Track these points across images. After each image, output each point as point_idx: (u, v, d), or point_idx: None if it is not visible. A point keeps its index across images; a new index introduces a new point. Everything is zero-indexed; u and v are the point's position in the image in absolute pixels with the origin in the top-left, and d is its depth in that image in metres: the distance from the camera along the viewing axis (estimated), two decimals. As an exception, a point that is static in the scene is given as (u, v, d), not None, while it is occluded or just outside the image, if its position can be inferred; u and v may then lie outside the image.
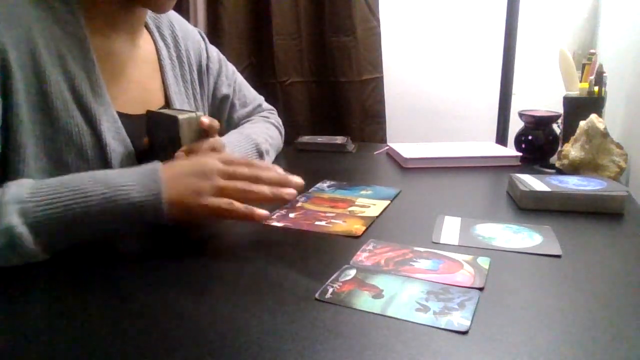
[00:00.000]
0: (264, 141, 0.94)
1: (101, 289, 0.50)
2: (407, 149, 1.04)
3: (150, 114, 0.74)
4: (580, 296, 0.47)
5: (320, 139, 1.23)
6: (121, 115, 0.72)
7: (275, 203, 0.69)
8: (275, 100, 1.72)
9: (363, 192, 0.81)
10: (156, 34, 0.85)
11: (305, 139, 1.24)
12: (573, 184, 0.75)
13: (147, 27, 0.84)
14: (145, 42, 0.82)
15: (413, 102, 1.72)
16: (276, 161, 1.03)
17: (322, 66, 1.69)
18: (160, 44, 0.85)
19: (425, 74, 1.69)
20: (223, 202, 0.58)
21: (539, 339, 0.40)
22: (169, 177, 0.57)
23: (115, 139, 0.70)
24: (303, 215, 0.70)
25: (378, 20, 1.63)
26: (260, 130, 0.98)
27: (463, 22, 1.61)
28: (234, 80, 1.03)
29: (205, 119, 0.69)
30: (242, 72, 1.72)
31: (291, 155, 1.17)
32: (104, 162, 0.68)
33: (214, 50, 0.99)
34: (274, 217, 0.69)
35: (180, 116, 0.67)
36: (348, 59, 1.64)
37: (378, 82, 1.66)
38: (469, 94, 1.65)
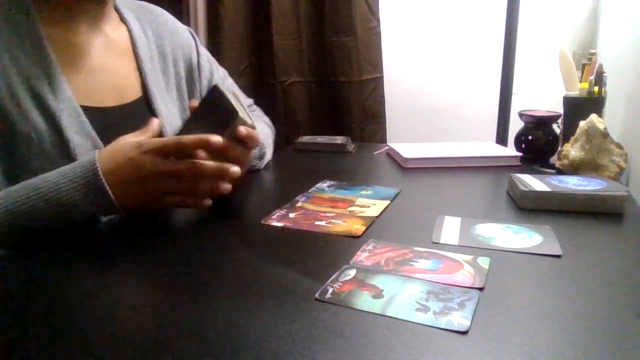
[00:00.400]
0: (263, 144, 0.94)
1: (101, 289, 0.50)
2: (407, 149, 1.04)
3: (216, 90, 0.69)
4: (580, 296, 0.47)
5: (320, 139, 1.23)
6: (87, 109, 0.70)
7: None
8: (275, 100, 1.73)
9: (363, 192, 0.81)
10: (134, 25, 0.83)
11: (305, 139, 1.24)
12: (573, 184, 0.75)
13: (122, 18, 0.83)
14: (115, 32, 0.81)
15: (413, 102, 1.72)
16: (277, 161, 1.03)
17: (322, 66, 1.69)
18: (138, 34, 0.83)
19: (425, 74, 1.69)
20: (172, 200, 0.65)
21: (539, 339, 0.40)
22: (114, 187, 0.61)
23: (79, 133, 0.69)
24: (303, 215, 0.70)
25: (378, 20, 1.63)
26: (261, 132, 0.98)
27: (463, 22, 1.61)
28: (225, 82, 1.03)
29: (243, 130, 0.67)
30: (242, 72, 1.74)
31: (291, 155, 1.17)
32: (69, 159, 0.66)
33: (204, 50, 0.98)
34: (274, 217, 0.69)
35: (241, 114, 0.67)
36: (348, 59, 1.64)
37: (378, 82, 1.66)
38: (469, 94, 1.65)
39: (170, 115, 0.84)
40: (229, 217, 0.74)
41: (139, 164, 0.61)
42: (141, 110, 0.80)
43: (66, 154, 0.66)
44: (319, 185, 0.85)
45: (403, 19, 1.67)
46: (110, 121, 0.73)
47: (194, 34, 0.97)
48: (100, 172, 0.60)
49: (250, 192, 0.89)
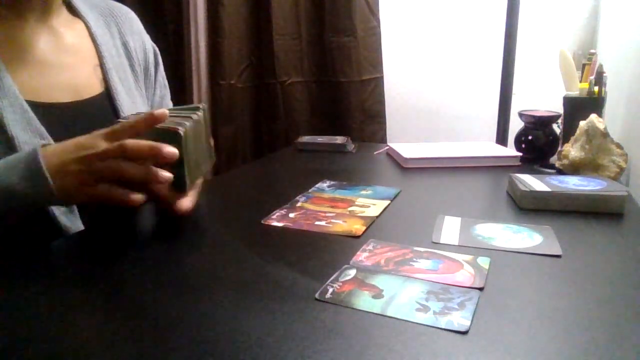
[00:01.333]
0: None
1: (101, 289, 0.50)
2: (407, 149, 1.04)
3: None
4: (580, 296, 0.47)
5: (320, 139, 1.23)
6: (36, 105, 0.68)
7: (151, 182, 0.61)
8: (275, 100, 1.73)
9: (363, 192, 0.81)
10: (93, 21, 0.81)
11: (305, 139, 1.24)
12: (573, 184, 0.75)
13: (75, 13, 0.80)
14: (68, 28, 0.78)
15: (413, 102, 1.72)
16: (277, 161, 1.03)
17: (322, 66, 1.69)
18: (99, 30, 0.81)
19: (425, 74, 1.69)
20: (102, 189, 0.58)
21: (539, 339, 0.40)
22: (52, 166, 0.58)
23: (26, 130, 0.66)
24: (303, 215, 0.70)
25: (378, 20, 1.63)
26: None
27: (463, 23, 1.61)
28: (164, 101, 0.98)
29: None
30: (242, 72, 1.74)
31: (291, 155, 1.17)
32: None
33: (162, 67, 0.95)
34: (274, 217, 0.69)
35: (181, 129, 0.60)
36: (348, 59, 1.64)
37: (378, 82, 1.67)
38: (469, 94, 1.65)
39: (135, 111, 0.81)
40: (229, 217, 0.74)
41: (82, 144, 0.59)
42: (101, 105, 0.77)
43: (12, 151, 0.64)
44: (319, 185, 0.85)
45: (403, 19, 1.67)
46: (64, 117, 0.71)
47: (156, 48, 0.94)
48: (39, 153, 0.58)
49: (250, 192, 0.89)
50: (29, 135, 0.66)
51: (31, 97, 0.68)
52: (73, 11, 0.80)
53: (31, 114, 0.67)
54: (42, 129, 0.67)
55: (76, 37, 0.79)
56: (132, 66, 0.85)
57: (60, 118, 0.71)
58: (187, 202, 0.65)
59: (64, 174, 0.58)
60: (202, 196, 0.85)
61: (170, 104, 0.97)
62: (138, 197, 0.59)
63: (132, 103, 0.81)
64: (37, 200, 0.59)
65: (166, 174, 0.58)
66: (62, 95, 0.72)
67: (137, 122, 0.59)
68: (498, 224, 0.66)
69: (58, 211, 0.66)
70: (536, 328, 0.41)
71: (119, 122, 0.62)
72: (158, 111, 0.59)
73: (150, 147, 0.58)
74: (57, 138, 0.66)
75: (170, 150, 0.58)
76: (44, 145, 0.60)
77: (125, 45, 0.85)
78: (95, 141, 0.58)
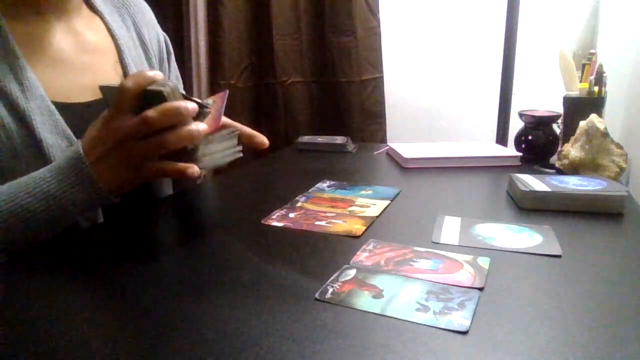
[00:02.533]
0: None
1: (101, 289, 0.50)
2: (407, 149, 1.04)
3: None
4: (580, 296, 0.47)
5: (320, 139, 1.23)
6: (61, 106, 0.68)
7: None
8: (275, 100, 1.73)
9: (363, 192, 0.81)
10: (110, 16, 0.80)
11: (305, 139, 1.24)
12: (573, 184, 0.75)
13: (93, 9, 0.80)
14: (88, 27, 0.78)
15: (413, 102, 1.72)
16: (277, 161, 1.03)
17: (322, 66, 1.70)
18: (116, 24, 0.80)
19: (425, 74, 1.69)
20: (156, 170, 0.60)
21: (539, 339, 0.40)
22: (101, 172, 0.59)
23: (53, 133, 0.66)
24: (303, 215, 0.70)
25: (378, 20, 1.63)
26: None
27: (463, 23, 1.61)
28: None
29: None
30: (242, 72, 1.74)
31: (291, 155, 1.17)
32: (42, 160, 0.64)
33: (172, 52, 0.94)
34: (274, 217, 0.69)
35: (164, 88, 0.60)
36: (348, 59, 1.64)
37: (378, 82, 1.67)
38: (469, 94, 1.65)
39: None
40: (229, 217, 0.74)
41: (111, 127, 0.59)
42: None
43: (40, 155, 0.64)
44: (319, 185, 0.85)
45: (403, 19, 1.67)
46: (85, 117, 0.70)
47: (167, 38, 0.94)
48: (82, 154, 0.59)
49: (250, 192, 0.89)
50: (56, 138, 0.66)
51: (54, 97, 0.68)
52: (90, 6, 0.80)
53: (58, 116, 0.67)
54: (69, 131, 0.68)
55: (95, 34, 0.78)
56: (148, 59, 0.85)
57: (82, 118, 0.70)
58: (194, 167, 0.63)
59: (109, 166, 0.59)
60: (203, 196, 0.86)
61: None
62: (195, 169, 0.59)
63: None
64: (96, 205, 0.62)
65: (202, 125, 0.60)
66: (82, 95, 0.72)
67: (134, 85, 0.58)
68: (498, 224, 0.66)
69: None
70: (536, 328, 0.41)
71: (112, 86, 0.62)
72: (150, 73, 0.60)
73: (176, 108, 0.58)
74: (80, 137, 0.66)
75: (191, 105, 0.59)
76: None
77: (140, 36, 0.85)
78: (119, 119, 0.58)
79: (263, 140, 0.75)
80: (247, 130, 0.75)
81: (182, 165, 0.60)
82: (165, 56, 0.91)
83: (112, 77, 0.77)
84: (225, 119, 0.74)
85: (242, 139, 0.73)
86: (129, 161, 0.59)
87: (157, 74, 0.60)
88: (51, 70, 0.70)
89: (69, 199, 0.59)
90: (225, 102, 0.68)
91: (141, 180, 0.62)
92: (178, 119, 0.58)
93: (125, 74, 0.78)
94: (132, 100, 0.58)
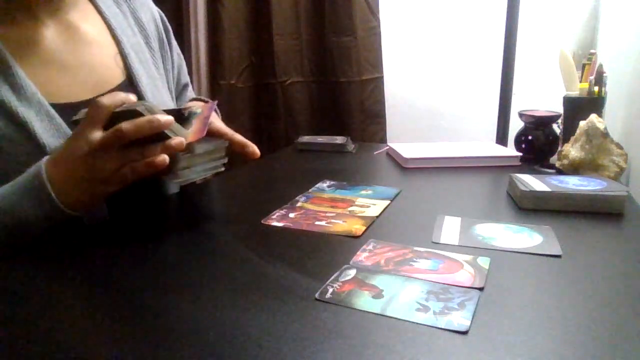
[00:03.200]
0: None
1: (101, 289, 0.50)
2: (407, 149, 1.04)
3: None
4: (580, 296, 0.47)
5: (320, 139, 1.23)
6: (60, 106, 0.67)
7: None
8: (275, 100, 1.73)
9: (363, 192, 0.81)
10: (104, 5, 0.78)
11: (305, 139, 1.24)
12: (573, 184, 0.75)
13: (91, 1, 0.78)
14: (84, 19, 0.75)
15: (413, 102, 1.72)
16: (277, 161, 1.03)
17: (322, 66, 1.70)
18: (112, 13, 0.78)
19: (425, 74, 1.69)
20: (123, 176, 0.59)
21: (539, 339, 0.40)
22: (66, 188, 0.58)
23: (56, 137, 0.65)
24: (303, 215, 0.70)
25: (378, 20, 1.63)
26: None
27: (463, 23, 1.61)
28: (182, 69, 0.96)
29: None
30: (242, 72, 1.74)
31: (291, 155, 1.17)
32: None
33: (170, 28, 0.91)
34: (274, 217, 0.69)
35: (139, 107, 0.59)
36: (348, 59, 1.64)
37: (378, 82, 1.67)
38: (469, 94, 1.65)
39: (158, 95, 0.80)
40: (229, 217, 0.74)
41: (80, 140, 0.57)
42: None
43: None
44: (319, 185, 0.85)
45: (403, 19, 1.67)
46: None
47: (162, 13, 0.91)
48: (43, 169, 0.58)
49: (250, 192, 0.89)
50: (60, 142, 0.65)
51: (54, 99, 0.67)
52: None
53: (59, 119, 0.66)
54: (70, 133, 0.65)
55: (91, 26, 0.76)
56: (148, 43, 0.82)
57: None
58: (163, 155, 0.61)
59: (74, 183, 0.58)
60: (203, 196, 0.86)
61: (187, 77, 0.96)
62: (162, 157, 0.58)
63: (153, 86, 0.79)
64: (57, 220, 0.60)
65: (177, 139, 0.59)
66: (83, 93, 0.71)
67: (110, 102, 0.58)
68: (498, 224, 0.66)
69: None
70: (536, 328, 0.41)
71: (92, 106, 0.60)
72: (124, 94, 0.60)
73: (149, 120, 0.57)
74: None
75: (167, 117, 0.58)
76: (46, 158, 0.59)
77: (138, 21, 0.82)
78: (87, 134, 0.57)
79: (254, 150, 0.72)
80: (239, 138, 0.73)
81: (155, 162, 0.58)
82: (164, 36, 0.88)
83: (113, 71, 0.75)
84: (219, 127, 0.73)
85: (233, 147, 0.72)
86: (99, 175, 0.58)
87: (131, 96, 0.61)
88: (49, 72, 0.69)
89: (26, 215, 0.58)
90: (211, 113, 0.67)
91: (113, 191, 0.60)
92: (152, 131, 0.57)
93: (126, 65, 0.77)
94: (107, 117, 0.58)
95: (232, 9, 1.68)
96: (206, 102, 0.83)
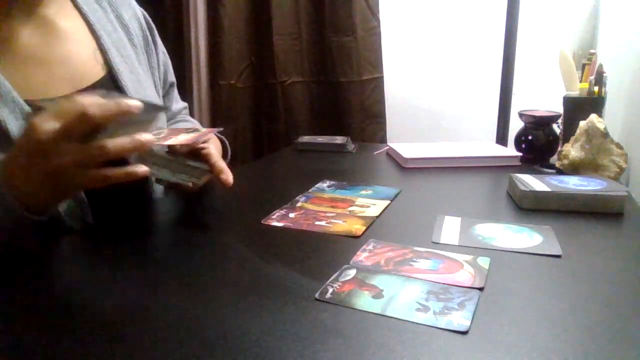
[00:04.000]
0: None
1: (101, 289, 0.50)
2: (407, 149, 1.04)
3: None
4: (580, 296, 0.47)
5: (320, 139, 1.23)
6: (37, 104, 0.64)
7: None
8: (275, 100, 1.73)
9: (363, 192, 0.81)
10: (84, 2, 0.76)
11: (305, 139, 1.24)
12: (573, 184, 0.75)
13: None
14: (60, 14, 0.73)
15: (413, 102, 1.72)
16: (277, 161, 1.03)
17: (322, 66, 1.70)
18: (90, 8, 0.76)
19: (425, 74, 1.69)
20: (96, 178, 0.54)
21: (539, 339, 0.40)
22: (20, 186, 0.53)
23: None
24: (303, 215, 0.70)
25: (378, 20, 1.63)
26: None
27: (463, 22, 1.61)
28: (168, 65, 0.94)
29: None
30: (242, 72, 1.75)
31: (291, 155, 1.17)
32: None
33: (153, 25, 0.89)
34: (274, 217, 0.69)
35: (45, 104, 0.55)
36: (348, 59, 1.64)
37: (378, 82, 1.67)
38: (469, 94, 1.65)
39: (142, 90, 0.78)
40: (229, 217, 0.74)
41: (29, 136, 0.52)
42: (105, 90, 0.72)
43: None
44: (319, 185, 0.85)
45: (403, 19, 1.67)
46: None
47: (145, 12, 0.89)
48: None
49: (250, 192, 0.89)
50: None
51: (30, 96, 0.65)
52: None
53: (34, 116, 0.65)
54: None
55: (69, 21, 0.74)
56: (130, 40, 0.81)
57: None
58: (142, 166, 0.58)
59: (32, 180, 0.53)
60: (203, 196, 0.86)
61: (173, 77, 0.95)
62: (144, 168, 0.55)
63: (137, 81, 0.78)
64: (13, 222, 0.55)
65: (147, 135, 0.55)
66: (61, 89, 0.69)
67: (101, 115, 0.52)
68: (498, 224, 0.66)
69: (62, 211, 0.64)
70: (536, 328, 0.41)
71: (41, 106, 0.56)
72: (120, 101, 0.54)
73: (117, 103, 0.52)
74: None
75: (136, 102, 0.54)
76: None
77: (119, 18, 0.81)
78: (44, 123, 0.51)
79: (228, 179, 0.70)
80: (220, 165, 0.71)
81: (128, 168, 0.55)
82: (147, 34, 0.87)
83: (92, 66, 0.74)
84: (209, 152, 0.72)
85: (211, 169, 0.70)
86: (61, 171, 0.53)
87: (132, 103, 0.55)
88: (25, 68, 0.67)
89: None
90: (210, 134, 0.68)
91: (78, 190, 0.56)
92: (120, 115, 0.52)
93: (105, 60, 0.75)
94: (89, 130, 0.52)
95: (232, 9, 1.68)
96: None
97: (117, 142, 0.53)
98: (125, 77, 0.76)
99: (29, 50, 0.69)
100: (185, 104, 1.01)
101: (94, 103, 0.51)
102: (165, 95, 0.92)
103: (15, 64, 0.67)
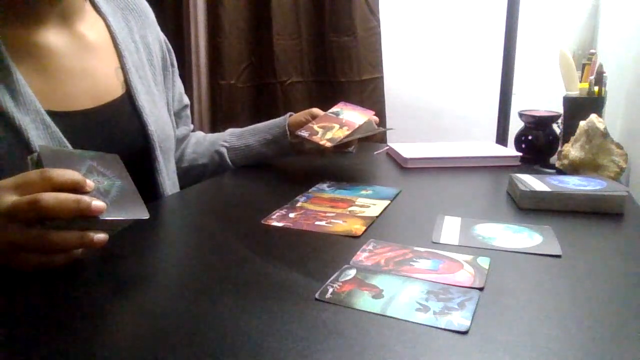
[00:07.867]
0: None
1: (101, 289, 0.50)
2: (407, 149, 1.04)
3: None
4: (580, 296, 0.47)
5: (320, 139, 1.23)
6: (57, 115, 0.66)
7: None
8: (275, 100, 1.73)
9: (363, 192, 0.81)
10: (112, 17, 0.78)
11: (305, 139, 1.24)
12: (573, 184, 0.75)
13: (98, 11, 0.78)
14: (91, 29, 0.76)
15: (413, 102, 1.72)
16: (277, 161, 1.03)
17: (322, 66, 1.70)
18: (118, 26, 0.78)
19: (425, 74, 1.69)
20: (34, 263, 0.49)
21: (539, 339, 0.40)
22: None
23: (49, 144, 0.64)
24: (303, 215, 0.70)
25: (378, 20, 1.63)
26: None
27: (463, 22, 1.61)
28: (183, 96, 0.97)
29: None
30: (242, 72, 1.74)
31: (291, 155, 1.17)
32: None
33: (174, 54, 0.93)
34: (274, 217, 0.69)
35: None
36: (348, 59, 1.64)
37: (378, 82, 1.67)
38: (469, 94, 1.65)
39: (156, 110, 0.80)
40: (229, 217, 0.74)
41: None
42: (122, 108, 0.75)
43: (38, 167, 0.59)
44: (319, 185, 0.85)
45: (403, 19, 1.67)
46: (85, 124, 0.69)
47: (166, 39, 0.92)
48: None
49: (250, 192, 0.89)
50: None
51: (52, 106, 0.67)
52: (94, 6, 0.78)
53: (54, 128, 0.66)
54: (65, 142, 0.66)
55: (97, 36, 0.76)
56: (150, 61, 0.83)
57: (82, 125, 0.70)
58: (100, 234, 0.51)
59: None
60: (202, 196, 0.86)
61: (187, 99, 0.98)
62: (102, 235, 0.50)
63: (152, 102, 0.80)
64: None
65: (99, 203, 0.49)
66: (83, 102, 0.71)
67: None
68: (498, 224, 0.66)
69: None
70: (536, 328, 0.41)
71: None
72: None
73: (77, 200, 0.47)
74: (79, 146, 0.63)
75: (100, 204, 0.49)
76: None
77: (143, 39, 0.83)
78: (3, 194, 0.48)
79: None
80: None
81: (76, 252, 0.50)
82: (167, 56, 0.90)
83: (112, 83, 0.76)
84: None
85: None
86: (1, 247, 0.48)
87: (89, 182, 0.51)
88: (50, 79, 0.69)
89: None
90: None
91: (23, 270, 0.49)
92: (78, 213, 0.47)
93: (126, 80, 0.77)
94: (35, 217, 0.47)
95: (232, 9, 1.68)
96: None
97: (63, 237, 0.48)
98: (142, 98, 0.78)
99: (58, 61, 0.70)
100: (192, 126, 1.02)
101: (52, 196, 0.46)
102: (178, 113, 0.95)
103: (43, 73, 0.68)
